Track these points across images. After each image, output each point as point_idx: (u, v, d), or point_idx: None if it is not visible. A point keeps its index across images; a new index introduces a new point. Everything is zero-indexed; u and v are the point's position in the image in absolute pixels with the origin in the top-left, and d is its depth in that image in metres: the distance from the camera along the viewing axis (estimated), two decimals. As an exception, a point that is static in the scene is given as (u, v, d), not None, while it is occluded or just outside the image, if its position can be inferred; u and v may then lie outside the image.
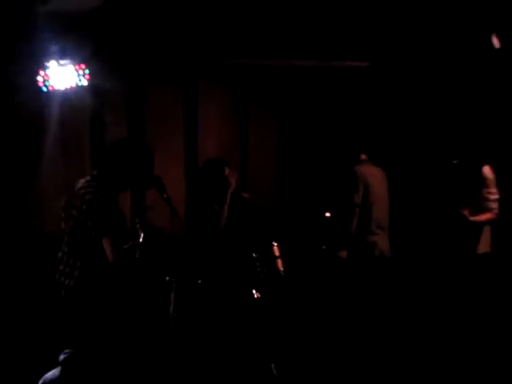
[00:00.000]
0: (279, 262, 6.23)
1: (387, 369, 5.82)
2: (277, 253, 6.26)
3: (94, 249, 4.40)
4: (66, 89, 7.23)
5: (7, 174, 7.54)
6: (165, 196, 5.21)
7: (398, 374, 5.74)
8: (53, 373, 4.39)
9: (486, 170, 6.45)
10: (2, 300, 6.53)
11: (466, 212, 6.48)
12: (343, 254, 6.89)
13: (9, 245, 7.07)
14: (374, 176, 7.08)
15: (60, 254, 4.55)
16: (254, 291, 5.94)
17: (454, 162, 6.82)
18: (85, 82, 7.21)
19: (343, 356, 6.07)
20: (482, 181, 6.52)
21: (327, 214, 7.57)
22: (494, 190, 6.48)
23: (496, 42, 7.01)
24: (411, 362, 5.91)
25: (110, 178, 4.63)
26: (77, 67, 7.12)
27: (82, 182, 4.57)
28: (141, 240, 5.48)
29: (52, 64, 7.04)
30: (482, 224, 6.58)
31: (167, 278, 6.05)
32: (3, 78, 7.31)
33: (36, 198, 7.55)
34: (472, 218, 6.50)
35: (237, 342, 5.81)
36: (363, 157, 7.10)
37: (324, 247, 7.40)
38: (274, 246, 6.27)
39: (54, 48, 6.98)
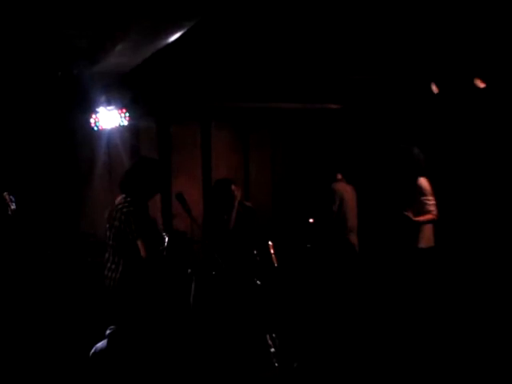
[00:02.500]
0: (273, 257, 6.32)
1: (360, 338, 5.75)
2: (271, 250, 6.36)
3: (132, 249, 4.45)
4: (112, 128, 7.23)
5: (68, 193, 7.50)
6: (186, 208, 5.25)
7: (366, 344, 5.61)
8: (102, 343, 4.53)
9: (423, 182, 6.30)
10: (64, 289, 6.42)
11: (409, 214, 6.24)
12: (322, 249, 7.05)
13: (71, 248, 7.01)
14: (346, 191, 7.18)
15: (107, 255, 4.65)
16: (255, 279, 6.05)
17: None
18: (125, 123, 7.18)
19: (324, 328, 6.01)
20: (420, 190, 6.29)
21: (311, 220, 7.56)
22: (430, 197, 6.27)
23: (434, 88, 6.96)
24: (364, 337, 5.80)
25: (135, 192, 4.62)
26: (119, 111, 7.12)
27: (119, 199, 4.67)
28: (166, 244, 5.67)
29: (101, 109, 7.08)
30: (424, 223, 6.35)
31: (189, 270, 6.14)
32: (65, 120, 7.30)
33: (90, 212, 7.51)
34: (415, 219, 6.27)
35: (241, 318, 5.82)
36: (339, 176, 7.20)
37: (308, 245, 7.39)
38: (269, 244, 6.38)
39: (102, 97, 6.99)
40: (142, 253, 4.42)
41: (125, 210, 4.51)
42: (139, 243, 4.43)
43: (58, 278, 6.34)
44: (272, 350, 5.22)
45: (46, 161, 7.31)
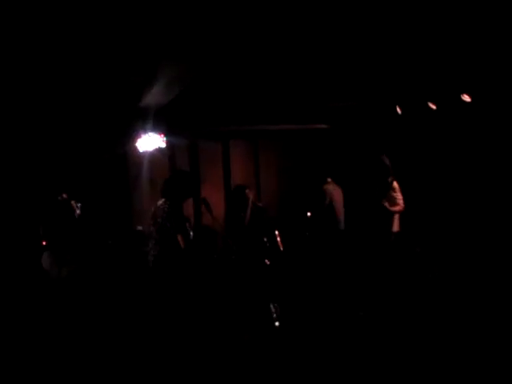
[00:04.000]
0: (280, 243, 6.44)
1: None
2: (278, 238, 6.47)
3: (172, 240, 4.56)
4: (153, 149, 7.35)
5: (122, 199, 7.66)
6: (208, 209, 5.22)
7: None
8: None
9: (394, 183, 6.32)
10: (121, 269, 6.50)
11: (386, 204, 6.31)
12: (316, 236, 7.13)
13: (124, 241, 7.07)
14: (335, 190, 7.32)
15: (150, 245, 4.74)
16: (265, 260, 6.14)
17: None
18: (163, 145, 7.31)
19: (319, 298, 5.92)
20: (391, 188, 6.38)
21: (308, 214, 7.60)
22: (398, 193, 6.34)
23: (398, 110, 7.10)
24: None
25: (172, 196, 4.68)
26: (159, 136, 7.22)
27: (160, 202, 4.74)
28: (191, 237, 5.47)
29: (144, 135, 7.19)
30: (396, 212, 6.42)
31: (215, 256, 6.31)
32: (119, 144, 7.41)
33: (138, 213, 7.59)
34: (390, 209, 6.32)
35: (252, 290, 5.87)
36: (329, 179, 7.31)
37: (307, 233, 7.42)
38: (276, 233, 6.49)
39: (145, 125, 7.11)
40: (182, 244, 4.56)
41: (166, 210, 4.61)
42: (179, 237, 4.56)
43: (117, 261, 6.52)
44: (274, 315, 5.31)
45: (105, 176, 7.45)
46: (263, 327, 5.11)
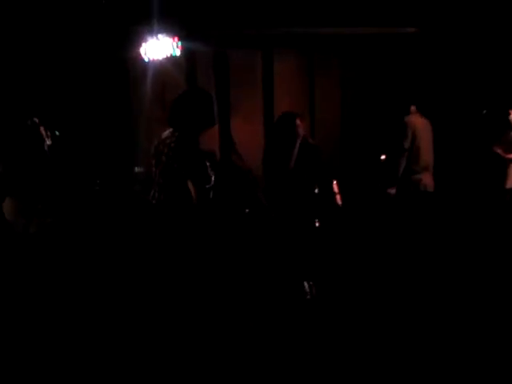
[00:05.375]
0: (338, 197, 6.08)
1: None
2: (336, 189, 6.11)
3: (181, 187, 4.39)
4: (163, 58, 7.12)
5: (119, 129, 7.57)
6: (231, 141, 5.17)
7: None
8: None
9: None
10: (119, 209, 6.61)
11: (499, 150, 6.38)
12: (392, 190, 6.69)
13: (118, 186, 7.05)
14: (421, 125, 6.76)
15: (152, 192, 4.52)
16: (315, 220, 5.82)
17: (484, 111, 6.56)
18: (178, 53, 7.07)
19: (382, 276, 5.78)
20: (510, 125, 6.26)
21: (382, 157, 7.26)
22: None
23: None
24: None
25: (183, 126, 4.48)
26: (172, 40, 7.03)
27: (166, 133, 4.46)
28: (212, 182, 5.11)
29: (151, 39, 7.02)
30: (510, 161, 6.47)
31: (246, 210, 5.81)
32: (116, 51, 7.32)
33: (140, 149, 7.45)
34: (507, 156, 6.44)
35: (287, 262, 5.67)
36: (412, 108, 6.75)
37: (379, 185, 7.05)
38: (333, 183, 6.10)
39: (151, 25, 6.97)
40: (193, 193, 4.42)
41: (172, 144, 4.37)
42: (189, 184, 4.39)
43: (107, 213, 6.47)
44: (308, 297, 5.28)
45: (97, 94, 7.39)
46: (287, 316, 4.96)
